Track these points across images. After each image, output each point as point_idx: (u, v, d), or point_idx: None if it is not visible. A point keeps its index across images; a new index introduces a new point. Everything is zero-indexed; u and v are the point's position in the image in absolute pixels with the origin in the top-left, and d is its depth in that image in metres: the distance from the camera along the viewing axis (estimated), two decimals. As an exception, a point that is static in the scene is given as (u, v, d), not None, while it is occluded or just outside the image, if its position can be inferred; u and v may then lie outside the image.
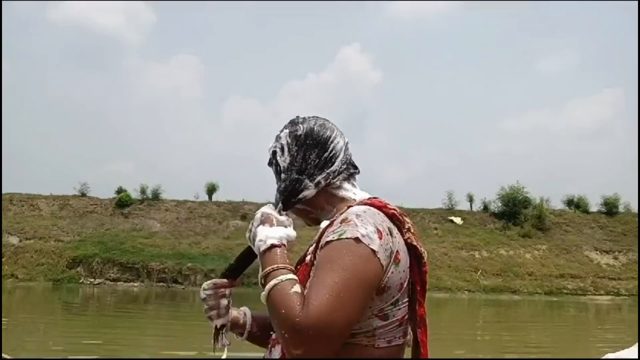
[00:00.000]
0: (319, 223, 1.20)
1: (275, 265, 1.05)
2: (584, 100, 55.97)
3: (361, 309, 1.01)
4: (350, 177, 1.23)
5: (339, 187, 1.20)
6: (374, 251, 1.01)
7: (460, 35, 60.71)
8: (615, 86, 58.19)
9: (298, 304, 0.96)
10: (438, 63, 60.13)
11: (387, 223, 1.08)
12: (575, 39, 58.88)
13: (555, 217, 28.05)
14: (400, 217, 1.12)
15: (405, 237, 1.11)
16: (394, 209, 1.12)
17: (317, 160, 1.19)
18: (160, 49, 57.87)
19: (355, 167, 1.24)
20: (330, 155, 1.20)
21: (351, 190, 1.21)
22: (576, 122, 54.70)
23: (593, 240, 26.61)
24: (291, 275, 1.03)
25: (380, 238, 1.03)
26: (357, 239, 1.01)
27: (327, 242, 1.04)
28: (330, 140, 1.20)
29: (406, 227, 1.12)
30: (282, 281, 1.01)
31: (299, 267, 1.16)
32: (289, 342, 0.95)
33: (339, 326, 0.95)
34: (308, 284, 1.01)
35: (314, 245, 1.12)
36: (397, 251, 1.07)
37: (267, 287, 1.02)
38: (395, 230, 1.09)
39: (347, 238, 1.02)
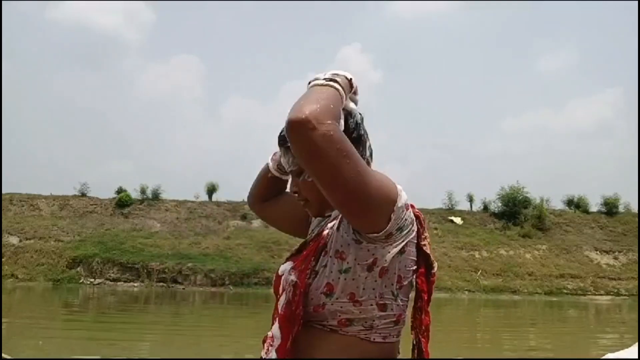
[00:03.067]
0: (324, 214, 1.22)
1: (341, 78, 1.09)
2: (584, 100, 55.94)
3: (341, 181, 0.98)
4: None
5: None
6: (395, 203, 1.05)
7: (460, 35, 60.73)
8: (615, 86, 58.14)
9: (338, 117, 1.02)
10: (438, 63, 60.16)
11: (413, 217, 1.12)
12: (575, 39, 58.88)
13: (555, 217, 28.05)
14: (423, 223, 1.15)
15: (422, 244, 1.13)
16: (419, 213, 1.15)
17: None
18: (160, 49, 57.83)
19: None
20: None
21: None
22: (576, 122, 54.67)
23: (593, 240, 26.60)
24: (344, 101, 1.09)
25: (406, 210, 1.08)
26: (394, 185, 1.07)
27: None
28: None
29: (425, 234, 1.15)
30: (341, 94, 1.06)
31: (311, 243, 1.18)
32: (312, 112, 0.95)
33: (330, 153, 0.96)
34: None
35: (334, 220, 1.16)
36: (407, 243, 1.09)
37: (330, 82, 1.06)
38: (414, 227, 1.12)
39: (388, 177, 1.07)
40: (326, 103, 0.99)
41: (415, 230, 1.11)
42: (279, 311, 1.13)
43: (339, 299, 1.07)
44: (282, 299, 1.13)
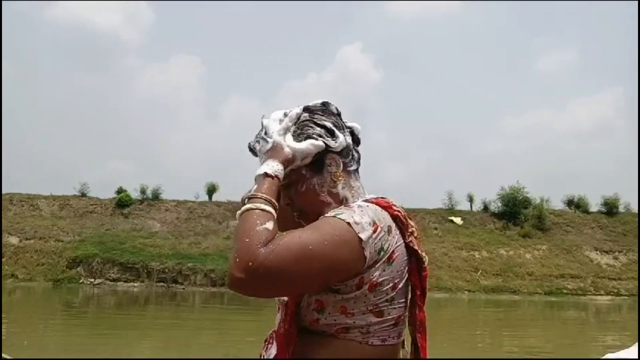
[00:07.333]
0: None
1: (259, 193, 1.06)
2: (585, 100, 56.06)
3: (310, 282, 1.02)
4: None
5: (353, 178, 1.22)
6: (361, 240, 1.02)
7: (461, 34, 60.78)
8: (615, 85, 58.19)
9: (263, 239, 0.98)
10: (438, 62, 60.25)
11: (389, 222, 1.09)
12: (575, 38, 58.96)
13: (555, 217, 28.03)
14: (404, 220, 1.12)
15: (408, 241, 1.11)
16: (399, 211, 1.12)
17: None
18: (160, 49, 57.94)
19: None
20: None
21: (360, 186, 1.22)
22: (576, 121, 54.76)
23: (593, 240, 26.59)
24: (269, 208, 1.04)
25: (375, 232, 1.04)
26: (348, 224, 1.03)
27: (324, 216, 1.07)
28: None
29: (409, 230, 1.12)
30: (258, 208, 1.03)
31: None
32: (236, 266, 0.95)
33: (284, 279, 0.97)
34: (287, 233, 1.02)
35: None
36: (393, 251, 1.07)
37: (243, 208, 1.04)
38: (395, 231, 1.09)
39: (340, 219, 1.04)
40: (252, 234, 0.98)
41: (398, 232, 1.09)
42: (276, 328, 1.14)
43: (332, 314, 1.06)
44: (278, 317, 1.14)
